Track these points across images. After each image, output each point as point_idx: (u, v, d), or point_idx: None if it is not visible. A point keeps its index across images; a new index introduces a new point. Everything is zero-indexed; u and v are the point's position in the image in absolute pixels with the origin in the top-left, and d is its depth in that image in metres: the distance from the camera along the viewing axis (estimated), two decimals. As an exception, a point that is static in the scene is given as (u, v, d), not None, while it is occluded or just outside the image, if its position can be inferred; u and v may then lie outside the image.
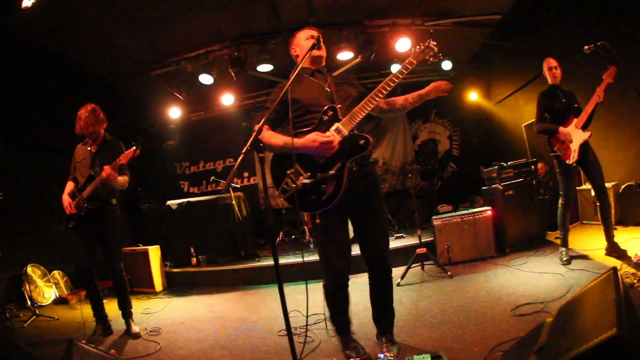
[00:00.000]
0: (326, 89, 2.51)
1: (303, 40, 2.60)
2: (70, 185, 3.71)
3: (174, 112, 7.77)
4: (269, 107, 2.39)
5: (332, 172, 2.29)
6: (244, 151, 1.92)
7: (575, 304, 1.80)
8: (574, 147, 3.85)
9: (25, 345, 2.47)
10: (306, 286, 2.41)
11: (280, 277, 2.00)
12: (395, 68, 7.30)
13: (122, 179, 3.60)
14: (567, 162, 3.90)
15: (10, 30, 4.92)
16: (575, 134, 3.86)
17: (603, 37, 2.99)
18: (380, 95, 2.37)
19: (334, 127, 2.34)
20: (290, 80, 2.19)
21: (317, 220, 2.41)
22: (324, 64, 2.69)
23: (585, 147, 3.87)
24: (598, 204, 3.97)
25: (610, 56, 2.81)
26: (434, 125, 8.86)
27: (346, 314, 2.68)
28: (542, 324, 1.98)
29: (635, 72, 3.47)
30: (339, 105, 2.41)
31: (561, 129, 3.88)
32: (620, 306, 1.32)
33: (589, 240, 4.49)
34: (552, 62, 4.05)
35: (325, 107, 2.40)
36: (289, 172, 2.35)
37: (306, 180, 2.30)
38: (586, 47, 3.00)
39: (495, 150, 7.97)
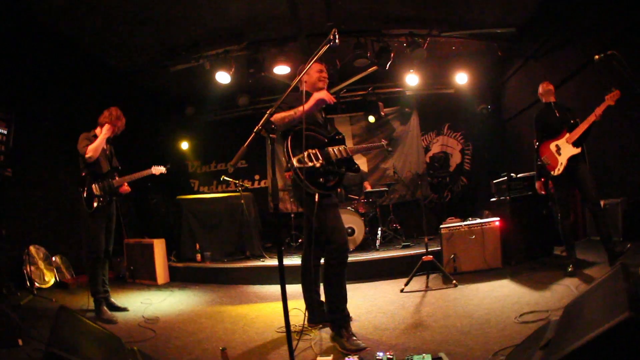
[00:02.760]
0: (323, 115, 3.20)
1: (313, 72, 3.03)
2: None
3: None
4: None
5: (339, 171, 2.95)
6: (255, 130, 2.00)
7: (583, 300, 1.75)
8: (562, 160, 3.98)
9: (10, 311, 2.49)
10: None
11: (283, 270, 2.04)
12: (410, 78, 7.33)
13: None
14: (552, 173, 4.04)
15: (29, 12, 4.99)
16: (564, 148, 4.00)
17: (615, 49, 2.97)
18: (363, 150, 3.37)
19: (342, 147, 3.03)
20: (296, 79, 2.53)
21: (317, 199, 2.77)
22: None
23: (575, 161, 3.96)
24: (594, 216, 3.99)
25: (619, 65, 2.80)
26: (447, 138, 8.83)
27: (346, 302, 2.92)
28: (547, 323, 1.93)
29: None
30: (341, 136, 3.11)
31: (537, 183, 4.34)
32: (631, 292, 1.28)
33: (596, 254, 4.40)
34: (545, 85, 4.26)
35: (335, 132, 3.10)
36: (311, 151, 2.80)
37: (317, 164, 2.78)
38: (596, 56, 3.01)
39: (507, 166, 7.89)
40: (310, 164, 2.74)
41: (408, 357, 2.24)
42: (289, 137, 2.79)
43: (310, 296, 3.21)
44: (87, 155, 3.76)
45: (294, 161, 2.70)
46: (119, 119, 4.02)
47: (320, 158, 2.81)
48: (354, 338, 2.70)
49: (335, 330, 2.80)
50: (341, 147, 3.00)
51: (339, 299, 2.86)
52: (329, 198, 2.92)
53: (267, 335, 3.15)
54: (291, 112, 2.69)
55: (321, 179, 2.80)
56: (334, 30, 2.54)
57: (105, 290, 4.01)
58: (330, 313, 2.88)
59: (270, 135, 2.01)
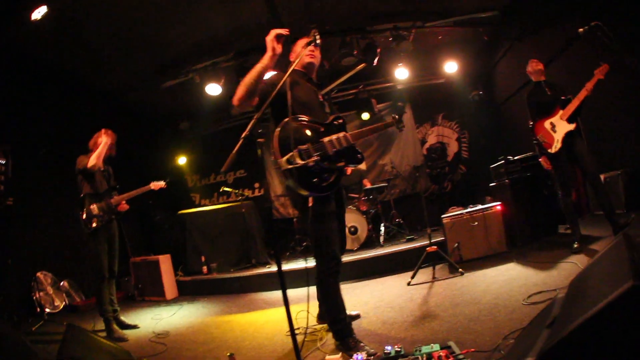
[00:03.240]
0: (320, 98, 2.80)
1: (298, 48, 2.80)
2: None
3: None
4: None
5: (339, 165, 2.58)
6: (243, 136, 1.99)
7: (587, 274, 1.73)
8: (558, 137, 3.96)
9: (26, 340, 2.50)
10: (307, 291, 2.65)
11: (282, 274, 2.10)
12: (399, 72, 7.33)
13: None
14: (549, 150, 4.01)
15: (17, 44, 5.07)
16: (559, 125, 3.98)
17: (599, 20, 2.95)
18: (369, 132, 2.84)
19: (342, 134, 2.64)
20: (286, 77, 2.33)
21: (310, 204, 2.50)
22: (314, 75, 2.91)
23: (571, 137, 3.93)
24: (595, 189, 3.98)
25: (604, 36, 2.78)
26: (442, 128, 8.81)
27: (344, 311, 2.67)
28: (554, 300, 1.91)
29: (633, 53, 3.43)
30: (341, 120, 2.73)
31: (542, 158, 4.20)
32: (634, 260, 1.26)
33: (600, 229, 4.37)
34: (534, 64, 4.23)
35: (336, 116, 2.71)
36: (300, 147, 2.44)
37: (310, 162, 2.43)
38: (580, 29, 2.99)
39: (504, 150, 7.87)
40: (301, 162, 2.40)
41: (417, 348, 2.23)
42: (277, 132, 2.45)
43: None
44: (90, 165, 3.81)
45: (283, 162, 2.39)
46: (109, 135, 4.08)
47: (314, 154, 2.45)
48: (362, 344, 2.53)
49: (340, 340, 2.62)
50: (340, 135, 2.62)
51: (337, 309, 2.64)
52: (326, 204, 2.61)
53: (276, 339, 3.15)
54: (252, 72, 2.42)
55: (315, 179, 2.46)
56: (313, 31, 2.56)
57: (114, 309, 4.04)
58: (331, 324, 2.69)
59: (258, 140, 2.00)
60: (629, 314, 1.16)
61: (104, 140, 3.96)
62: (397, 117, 3.04)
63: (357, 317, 3.28)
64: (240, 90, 2.43)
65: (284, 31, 2.42)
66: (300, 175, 2.41)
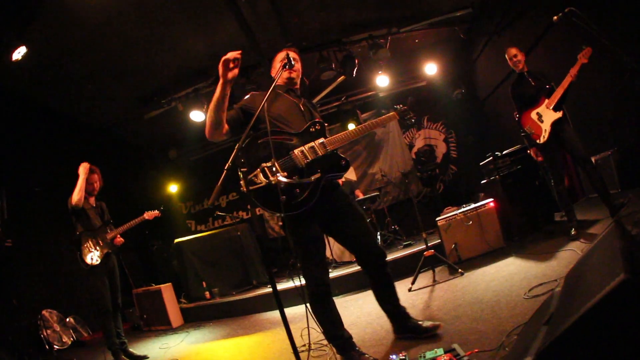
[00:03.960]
0: (300, 107, 2.63)
1: (277, 63, 2.72)
2: None
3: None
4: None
5: (313, 178, 2.32)
6: (226, 167, 1.95)
7: (582, 266, 1.74)
8: (545, 126, 3.94)
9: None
10: (306, 307, 2.47)
11: (277, 293, 2.08)
12: (380, 80, 7.39)
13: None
14: (538, 141, 3.99)
15: (1, 84, 5.17)
16: (545, 114, 3.95)
17: (573, 5, 2.96)
18: (362, 131, 2.57)
19: (320, 141, 2.43)
20: (267, 97, 2.30)
21: (280, 223, 2.44)
22: (297, 85, 2.80)
23: (559, 125, 3.91)
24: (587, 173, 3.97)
25: (580, 21, 2.79)
26: (428, 130, 8.89)
27: (341, 327, 2.62)
28: (551, 295, 1.93)
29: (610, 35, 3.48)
30: (326, 124, 2.52)
31: (532, 150, 4.19)
32: (627, 251, 1.25)
33: (596, 212, 4.40)
34: (512, 52, 4.18)
35: (312, 123, 2.48)
36: (264, 165, 2.29)
37: (284, 180, 2.24)
38: (555, 17, 3.01)
39: (493, 145, 7.94)
40: (264, 181, 2.24)
41: (421, 354, 2.23)
42: (245, 145, 2.29)
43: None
44: (72, 203, 3.87)
45: (243, 184, 2.21)
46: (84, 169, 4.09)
47: (280, 171, 2.28)
48: (365, 356, 2.51)
49: (343, 354, 2.57)
50: (316, 143, 2.41)
51: (332, 326, 2.58)
52: (302, 224, 2.44)
53: (284, 358, 3.14)
54: (212, 100, 2.30)
55: (283, 197, 2.19)
56: (285, 51, 2.60)
57: (121, 342, 4.05)
58: (330, 341, 2.62)
59: (241, 170, 1.99)
60: (622, 308, 1.16)
61: (80, 175, 3.99)
62: (401, 106, 2.78)
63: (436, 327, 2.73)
64: (206, 124, 2.35)
65: (232, 55, 2.24)
66: (265, 195, 2.24)
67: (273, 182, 2.23)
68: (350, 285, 5.03)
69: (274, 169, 2.28)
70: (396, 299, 2.73)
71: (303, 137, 2.44)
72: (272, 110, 2.50)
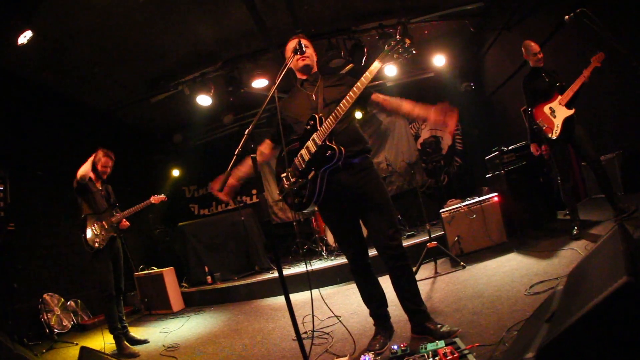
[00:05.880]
0: (312, 97, 2.59)
1: (289, 53, 2.61)
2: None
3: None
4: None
5: (307, 178, 2.49)
6: (236, 153, 2.01)
7: (585, 265, 1.75)
8: (558, 122, 3.93)
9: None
10: (311, 293, 2.63)
11: (283, 279, 2.09)
12: (388, 69, 7.35)
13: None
14: (549, 135, 3.97)
15: (7, 68, 5.13)
16: (558, 110, 3.95)
17: (584, 6, 2.94)
18: (346, 104, 2.38)
19: (313, 136, 2.46)
20: (269, 97, 2.31)
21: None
22: (314, 70, 2.73)
23: (570, 123, 3.91)
24: (596, 174, 3.95)
25: (590, 22, 2.78)
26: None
27: (374, 300, 2.77)
28: (553, 293, 1.94)
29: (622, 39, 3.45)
30: (320, 114, 2.47)
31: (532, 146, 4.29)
32: (629, 254, 1.26)
33: (599, 213, 4.41)
34: (536, 48, 4.15)
35: (308, 118, 2.51)
36: (282, 175, 2.59)
37: (286, 185, 2.55)
38: (566, 17, 2.99)
39: (498, 139, 7.92)
40: (283, 189, 2.63)
41: (422, 345, 2.26)
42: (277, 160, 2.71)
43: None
44: (78, 176, 3.81)
45: (276, 197, 2.60)
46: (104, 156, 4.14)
47: (291, 177, 2.56)
48: (380, 337, 2.69)
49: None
50: (310, 141, 2.48)
51: (364, 299, 2.87)
52: (327, 215, 2.73)
53: (285, 345, 3.19)
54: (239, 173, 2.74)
55: (297, 199, 2.55)
56: (296, 38, 2.58)
57: (123, 326, 4.07)
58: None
59: (252, 156, 2.02)
60: (623, 309, 1.17)
61: (91, 158, 3.98)
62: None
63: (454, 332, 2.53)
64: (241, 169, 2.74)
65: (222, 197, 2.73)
66: (285, 200, 2.63)
67: (287, 186, 2.55)
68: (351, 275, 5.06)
69: (288, 177, 2.55)
70: (418, 299, 2.64)
71: (304, 139, 2.53)
72: (290, 110, 2.68)
